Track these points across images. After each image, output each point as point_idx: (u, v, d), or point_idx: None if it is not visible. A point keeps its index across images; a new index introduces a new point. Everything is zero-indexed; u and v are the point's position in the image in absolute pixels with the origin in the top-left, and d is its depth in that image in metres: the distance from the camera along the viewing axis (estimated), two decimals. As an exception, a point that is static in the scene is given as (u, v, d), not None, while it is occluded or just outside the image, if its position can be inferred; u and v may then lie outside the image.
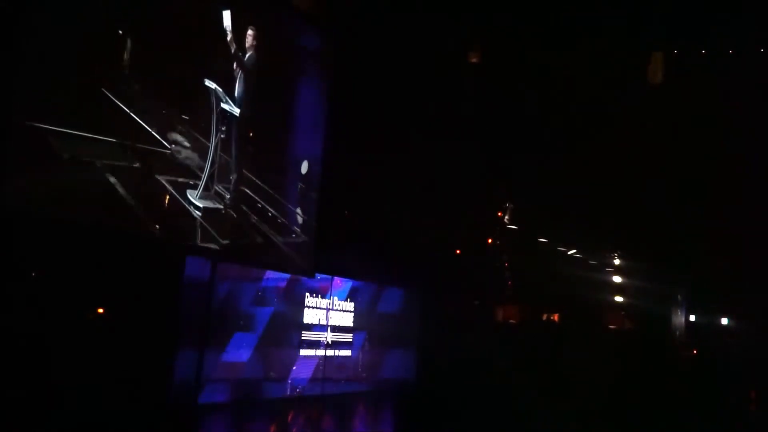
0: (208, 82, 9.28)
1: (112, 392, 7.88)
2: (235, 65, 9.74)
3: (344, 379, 12.18)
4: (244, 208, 9.94)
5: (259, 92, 10.23)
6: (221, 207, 9.50)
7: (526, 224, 17.42)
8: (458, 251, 16.15)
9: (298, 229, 10.90)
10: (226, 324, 9.78)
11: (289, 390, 10.95)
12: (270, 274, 10.59)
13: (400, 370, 13.67)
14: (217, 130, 9.50)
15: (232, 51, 9.63)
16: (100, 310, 8.27)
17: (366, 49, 12.50)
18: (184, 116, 9.05)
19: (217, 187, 9.54)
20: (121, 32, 8.03)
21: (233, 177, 9.83)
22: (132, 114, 8.17)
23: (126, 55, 8.08)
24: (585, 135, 15.23)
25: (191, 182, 9.01)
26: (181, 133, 8.95)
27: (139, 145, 8.27)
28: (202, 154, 9.23)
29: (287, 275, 10.92)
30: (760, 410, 15.64)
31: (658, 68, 14.90)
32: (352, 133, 12.25)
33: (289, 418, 11.23)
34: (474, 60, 15.48)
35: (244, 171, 10.04)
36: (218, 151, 9.52)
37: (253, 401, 10.15)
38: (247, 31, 9.91)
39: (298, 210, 11.01)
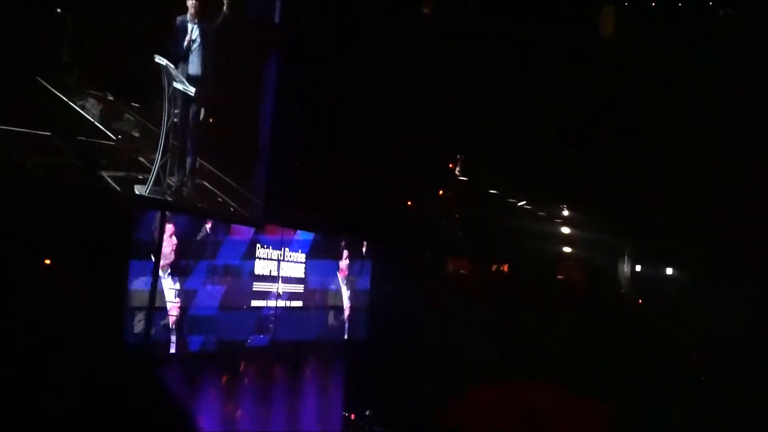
0: (158, 59, 8.43)
1: (63, 344, 7.76)
2: (188, 39, 8.91)
3: (295, 331, 12.15)
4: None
5: (217, 69, 9.38)
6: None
7: (477, 176, 17.46)
8: (409, 203, 16.15)
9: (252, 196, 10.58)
10: (175, 275, 9.63)
11: (239, 341, 10.89)
12: (220, 225, 10.42)
13: (350, 322, 13.68)
14: (170, 114, 8.61)
15: (186, 22, 8.81)
16: (47, 262, 8.09)
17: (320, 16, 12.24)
18: (132, 102, 8.32)
19: (170, 180, 8.85)
20: (59, 10, 7.29)
21: (188, 167, 9.09)
22: (71, 103, 7.48)
23: (65, 37, 7.34)
24: (536, 86, 15.25)
25: (141, 176, 8.38)
26: (128, 122, 8.21)
27: (80, 138, 7.57)
28: (153, 143, 8.45)
29: (237, 226, 10.78)
30: (701, 357, 16.05)
31: (609, 21, 14.97)
32: (303, 90, 12.09)
33: (240, 368, 11.20)
34: (426, 11, 15.40)
35: (201, 160, 9.33)
36: (171, 139, 8.68)
37: (203, 352, 10.08)
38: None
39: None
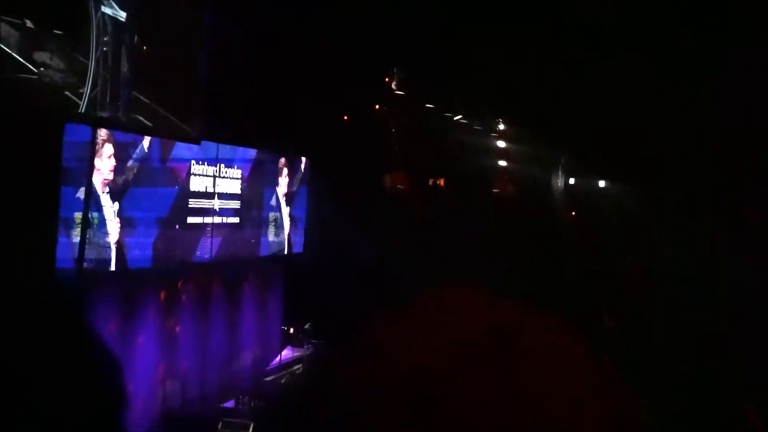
0: None
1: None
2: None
3: (233, 247, 12.17)
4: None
5: None
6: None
7: (413, 90, 17.43)
8: (345, 117, 16.09)
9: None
10: (110, 191, 9.48)
11: (177, 257, 10.86)
12: (154, 141, 10.23)
13: (289, 238, 13.74)
14: (99, 43, 7.81)
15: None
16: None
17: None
18: (54, 30, 7.45)
19: (102, 115, 8.24)
20: None
21: (122, 101, 8.42)
22: None
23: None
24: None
25: (69, 113, 7.74)
26: (51, 51, 7.33)
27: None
28: (81, 75, 7.70)
29: (173, 143, 10.61)
30: (630, 265, 16.53)
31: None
32: (240, 7, 11.83)
33: (179, 284, 11.21)
34: None
35: (136, 93, 8.62)
36: (101, 70, 7.93)
37: (140, 269, 10.04)
38: None
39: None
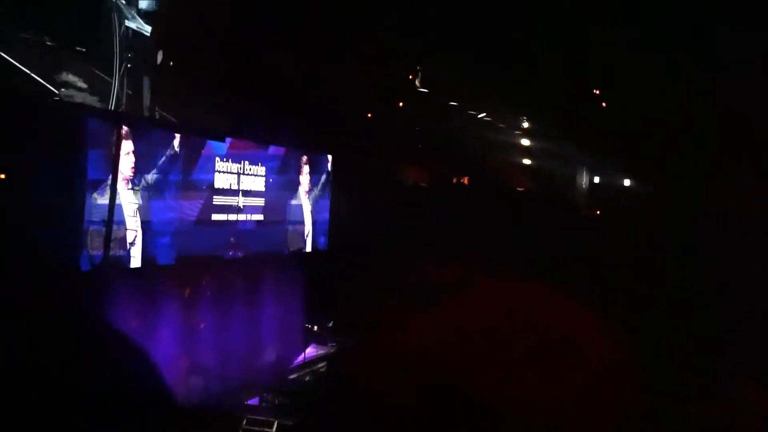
0: None
1: (16, 259, 7.66)
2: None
3: (257, 244, 12.19)
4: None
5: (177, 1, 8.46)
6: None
7: (437, 87, 17.38)
8: (369, 115, 16.07)
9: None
10: (134, 187, 9.50)
11: (201, 254, 10.90)
12: (178, 138, 10.23)
13: (312, 235, 13.75)
14: (122, 59, 7.63)
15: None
16: (2, 176, 7.91)
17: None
18: (77, 48, 7.25)
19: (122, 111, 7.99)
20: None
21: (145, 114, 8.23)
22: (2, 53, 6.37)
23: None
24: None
25: None
26: (74, 71, 7.13)
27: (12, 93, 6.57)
28: (104, 93, 7.50)
29: (198, 140, 10.63)
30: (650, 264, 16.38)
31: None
32: (265, 12, 11.86)
33: (203, 280, 11.24)
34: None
35: (159, 110, 8.52)
36: (124, 87, 7.80)
37: (164, 266, 10.09)
38: None
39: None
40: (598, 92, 15.08)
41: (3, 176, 7.91)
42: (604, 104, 15.31)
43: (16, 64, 6.67)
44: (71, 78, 7.28)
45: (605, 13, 14.29)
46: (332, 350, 13.59)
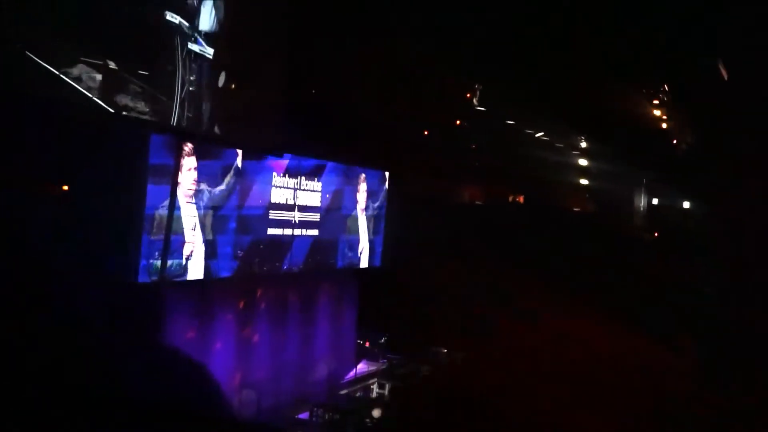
0: (170, 16, 7.29)
1: (77, 269, 7.77)
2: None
3: (311, 259, 12.23)
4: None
5: (232, 24, 8.10)
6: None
7: (495, 107, 17.34)
8: (426, 132, 16.09)
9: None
10: (194, 204, 9.61)
11: (256, 268, 10.97)
12: (237, 153, 10.31)
13: (366, 251, 13.75)
14: (184, 82, 7.55)
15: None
16: (65, 187, 8.07)
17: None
18: (138, 70, 7.08)
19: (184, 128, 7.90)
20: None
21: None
22: (62, 75, 6.21)
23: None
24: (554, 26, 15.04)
25: None
26: (134, 94, 6.96)
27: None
28: (165, 116, 7.41)
29: (255, 154, 10.71)
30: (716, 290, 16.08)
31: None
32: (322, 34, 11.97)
33: (258, 294, 11.31)
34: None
35: (219, 127, 8.38)
36: (186, 111, 7.77)
37: (220, 279, 10.16)
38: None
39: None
40: (659, 114, 14.90)
41: (66, 188, 8.08)
42: (664, 125, 15.11)
43: (78, 87, 6.58)
44: (132, 101, 7.16)
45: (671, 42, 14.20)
46: (385, 367, 13.57)
